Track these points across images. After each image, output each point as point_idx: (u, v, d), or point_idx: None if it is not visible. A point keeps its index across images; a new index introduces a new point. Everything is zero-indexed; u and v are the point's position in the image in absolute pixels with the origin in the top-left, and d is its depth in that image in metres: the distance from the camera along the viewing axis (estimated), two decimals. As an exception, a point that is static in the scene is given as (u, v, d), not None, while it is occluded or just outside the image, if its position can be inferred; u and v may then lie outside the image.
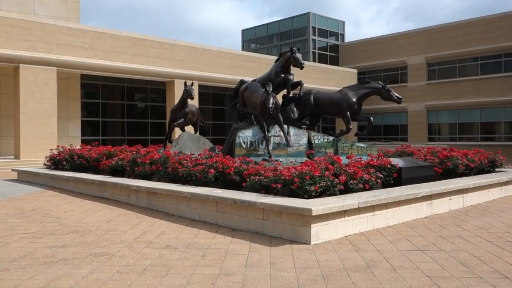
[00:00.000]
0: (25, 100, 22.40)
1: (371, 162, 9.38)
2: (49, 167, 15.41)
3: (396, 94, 12.34)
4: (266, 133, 11.59)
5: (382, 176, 9.03)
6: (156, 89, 31.34)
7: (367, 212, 7.37)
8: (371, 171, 8.80)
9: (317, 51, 45.86)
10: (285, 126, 12.00)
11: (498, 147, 33.23)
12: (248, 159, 9.99)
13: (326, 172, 7.78)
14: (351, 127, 12.24)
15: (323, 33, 46.74)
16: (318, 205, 6.57)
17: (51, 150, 15.69)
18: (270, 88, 11.16)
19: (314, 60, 44.75)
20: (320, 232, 6.58)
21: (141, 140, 29.09)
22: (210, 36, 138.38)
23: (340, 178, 7.93)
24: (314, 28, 45.90)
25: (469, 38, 37.87)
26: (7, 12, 22.70)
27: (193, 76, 28.98)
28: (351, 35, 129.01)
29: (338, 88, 13.63)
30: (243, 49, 50.69)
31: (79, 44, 24.35)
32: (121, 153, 12.84)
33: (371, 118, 12.46)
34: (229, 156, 10.33)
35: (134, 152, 12.23)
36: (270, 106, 10.85)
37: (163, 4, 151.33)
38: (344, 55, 46.80)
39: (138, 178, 11.28)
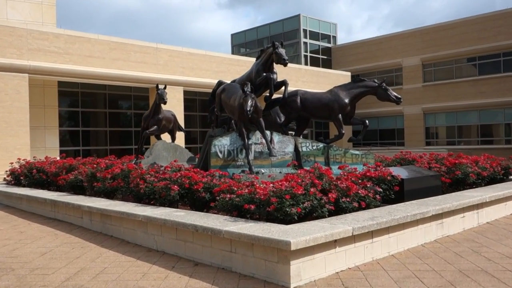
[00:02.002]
0: (-6, 109, 20.74)
1: (368, 174, 7.84)
2: (8, 183, 13.78)
3: (395, 94, 10.84)
4: (246, 140, 10.04)
5: (381, 190, 7.49)
6: (140, 95, 29.72)
7: (364, 240, 5.81)
8: (368, 185, 7.25)
9: (309, 54, 44.45)
10: (268, 132, 10.46)
11: (498, 150, 31.81)
12: (221, 172, 8.41)
13: (312, 189, 6.22)
14: (343, 131, 10.71)
15: (314, 35, 45.35)
16: (299, 235, 5.01)
17: (11, 163, 14.05)
18: (248, 89, 9.62)
19: (306, 64, 43.33)
20: (303, 270, 5.01)
21: (126, 149, 27.42)
22: (204, 45, 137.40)
23: (330, 195, 6.37)
24: (305, 30, 44.50)
25: (466, 37, 36.53)
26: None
27: (178, 82, 27.45)
28: (343, 41, 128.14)
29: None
30: (233, 53, 49.16)
31: (53, 49, 22.75)
32: (83, 166, 11.20)
33: (367, 122, 10.94)
34: (197, 170, 8.75)
35: (94, 166, 10.61)
36: (248, 109, 9.30)
37: (156, 15, 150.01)
38: (337, 58, 45.39)
39: (99, 196, 9.72)
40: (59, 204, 9.26)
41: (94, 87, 27.49)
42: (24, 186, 12.57)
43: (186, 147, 17.34)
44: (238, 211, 6.63)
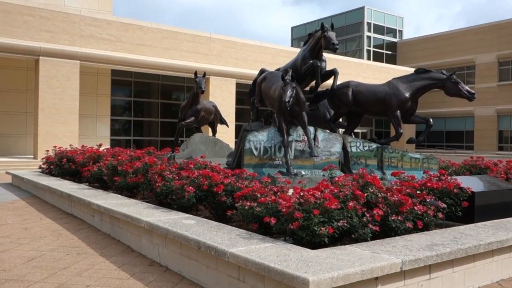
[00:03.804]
0: (45, 95, 20.71)
1: (429, 184, 6.26)
2: (43, 171, 13.27)
3: (467, 88, 9.06)
4: (285, 136, 8.71)
5: (445, 206, 5.90)
6: (192, 86, 29.09)
7: (418, 276, 4.32)
8: (428, 200, 5.69)
9: (372, 48, 42.12)
10: (311, 129, 9.07)
11: None
12: (248, 173, 7.13)
13: (351, 203, 4.79)
14: (401, 131, 9.09)
15: (379, 29, 42.91)
16: (324, 268, 3.64)
17: (47, 151, 13.53)
18: (289, 77, 8.26)
19: (369, 59, 41.03)
20: (328, 318, 3.63)
21: (180, 141, 26.89)
22: (266, 41, 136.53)
23: (376, 211, 4.91)
24: (369, 24, 42.19)
25: (550, 32, 32.92)
26: (26, 1, 21.08)
27: (231, 73, 26.51)
28: (410, 37, 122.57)
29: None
30: (292, 47, 47.65)
31: (105, 36, 22.45)
32: (112, 158, 10.29)
33: (430, 120, 9.26)
34: (220, 168, 7.50)
35: (119, 158, 9.65)
36: (287, 99, 7.96)
37: (224, 10, 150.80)
38: (402, 53, 42.69)
39: (121, 191, 8.78)
40: (73, 199, 8.39)
41: (147, 77, 27.09)
42: (54, 175, 11.96)
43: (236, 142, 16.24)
44: (259, 224, 5.36)
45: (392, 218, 5.05)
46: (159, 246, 5.63)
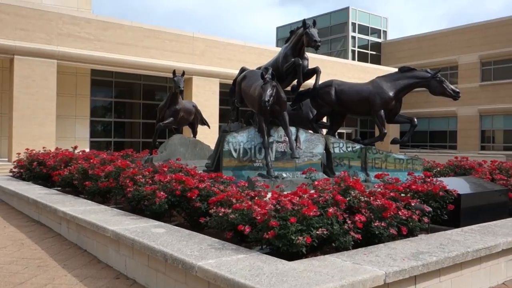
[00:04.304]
0: (20, 96, 20.04)
1: (413, 187, 5.97)
2: (14, 175, 12.70)
3: (452, 87, 8.84)
4: (266, 137, 8.36)
5: (430, 210, 5.60)
6: (174, 87, 28.57)
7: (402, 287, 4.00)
8: (413, 204, 5.38)
9: (357, 49, 42.01)
10: (293, 129, 8.73)
11: None
12: (225, 177, 6.75)
13: (331, 209, 4.44)
14: (385, 131, 8.81)
15: (364, 29, 42.82)
16: (299, 286, 3.28)
17: (18, 154, 12.96)
18: (269, 75, 7.91)
19: (353, 59, 40.92)
20: None
21: (159, 142, 26.35)
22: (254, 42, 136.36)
23: (357, 217, 4.58)
24: (354, 24, 42.08)
25: (532, 33, 33.15)
26: (2, -2, 20.39)
27: (214, 73, 26.09)
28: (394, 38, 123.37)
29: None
30: (277, 47, 47.36)
31: (84, 34, 21.84)
32: (84, 161, 9.79)
33: (415, 120, 8.99)
34: (195, 172, 7.10)
35: (91, 161, 9.18)
36: (267, 99, 7.61)
37: (209, 12, 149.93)
38: (387, 54, 42.69)
39: (93, 197, 8.32)
40: (40, 206, 7.90)
41: (129, 77, 26.49)
42: (24, 179, 11.42)
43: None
44: (234, 232, 5.00)
45: (375, 224, 4.72)
46: (126, 257, 5.22)
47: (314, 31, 8.57)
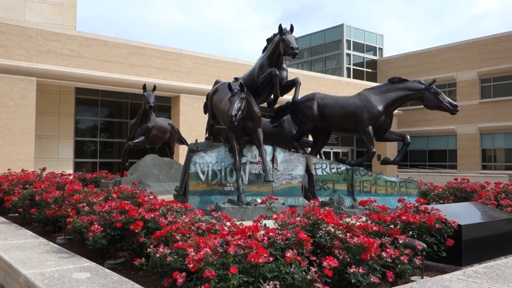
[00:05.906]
0: (-4, 115, 19.04)
1: (403, 217, 4.91)
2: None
3: (448, 99, 7.86)
4: (237, 158, 7.33)
5: (425, 246, 4.53)
6: (162, 106, 27.62)
7: None
8: (401, 240, 4.32)
9: (352, 66, 41.27)
10: (269, 148, 7.70)
11: None
12: (179, 204, 5.69)
13: (289, 252, 3.37)
14: (374, 150, 7.75)
15: (359, 47, 42.16)
16: None
17: (-22, 177, 11.88)
18: (236, 86, 6.92)
19: (349, 76, 40.13)
20: None
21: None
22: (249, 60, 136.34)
23: (326, 262, 3.50)
24: (348, 41, 41.42)
25: (531, 49, 32.41)
26: (-22, 14, 19.60)
27: (203, 91, 25.07)
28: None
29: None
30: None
31: (65, 51, 20.97)
32: (39, 185, 8.71)
33: (408, 137, 7.96)
34: (146, 199, 6.04)
35: (47, 185, 8.13)
36: (234, 113, 6.59)
37: (204, 33, 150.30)
38: (383, 71, 41.92)
39: (43, 225, 7.26)
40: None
41: (116, 96, 25.57)
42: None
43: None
44: (171, 279, 3.91)
45: (351, 270, 3.64)
46: (40, 310, 4.13)
47: (291, 37, 7.64)
